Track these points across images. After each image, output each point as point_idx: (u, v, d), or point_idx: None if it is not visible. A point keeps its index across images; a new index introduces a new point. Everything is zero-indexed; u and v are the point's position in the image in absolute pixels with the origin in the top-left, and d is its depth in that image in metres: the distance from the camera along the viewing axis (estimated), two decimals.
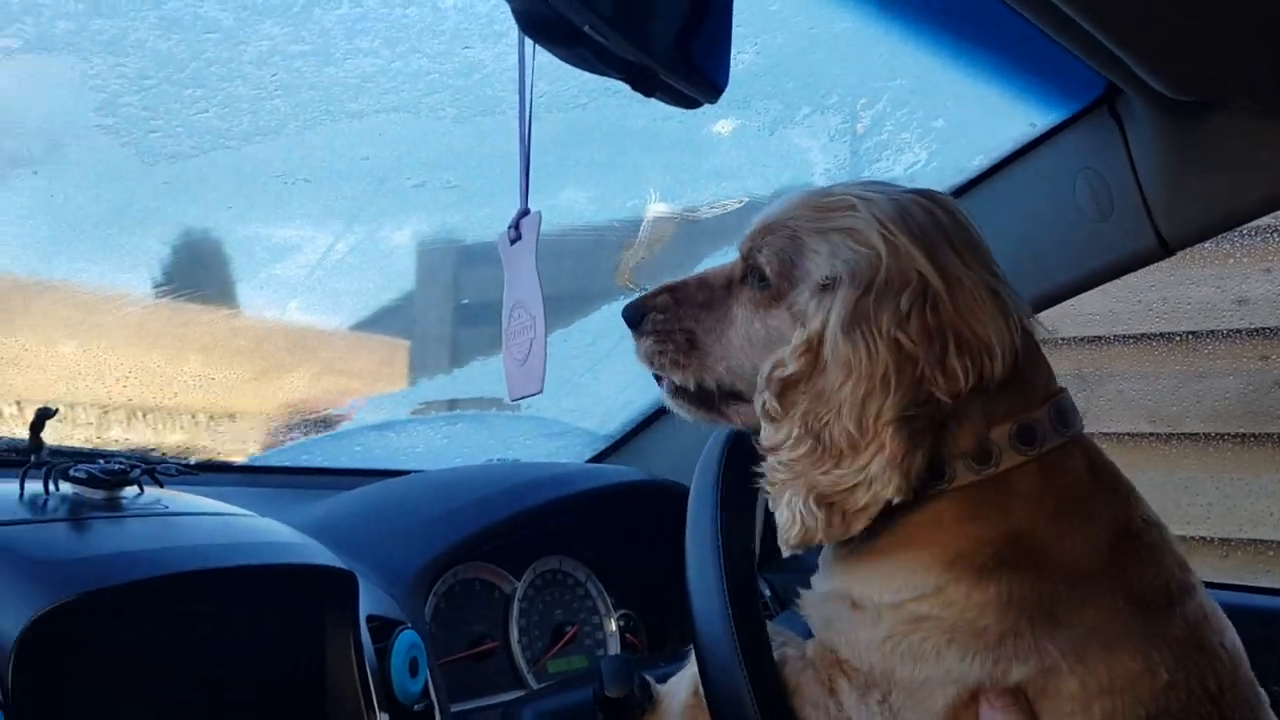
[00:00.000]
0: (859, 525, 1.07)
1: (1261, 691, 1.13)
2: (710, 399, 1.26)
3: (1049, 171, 1.79)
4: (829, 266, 1.12)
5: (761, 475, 1.15)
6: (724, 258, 2.15)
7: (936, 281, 1.08)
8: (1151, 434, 3.01)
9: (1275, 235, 2.83)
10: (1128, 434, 3.01)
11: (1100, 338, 3.02)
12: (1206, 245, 1.72)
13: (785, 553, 1.14)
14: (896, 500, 1.06)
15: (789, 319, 1.16)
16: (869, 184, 1.18)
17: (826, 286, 1.11)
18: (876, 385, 1.05)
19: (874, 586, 1.11)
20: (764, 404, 1.13)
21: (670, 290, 1.27)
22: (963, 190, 1.88)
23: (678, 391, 1.27)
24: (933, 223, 1.13)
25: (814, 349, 1.10)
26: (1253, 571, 2.83)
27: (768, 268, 1.17)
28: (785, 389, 1.11)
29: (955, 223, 1.15)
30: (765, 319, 1.18)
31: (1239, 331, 2.93)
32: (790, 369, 1.11)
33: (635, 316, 1.27)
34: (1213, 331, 2.95)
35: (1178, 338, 2.99)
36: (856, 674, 1.12)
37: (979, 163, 1.83)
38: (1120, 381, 3.06)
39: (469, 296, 2.29)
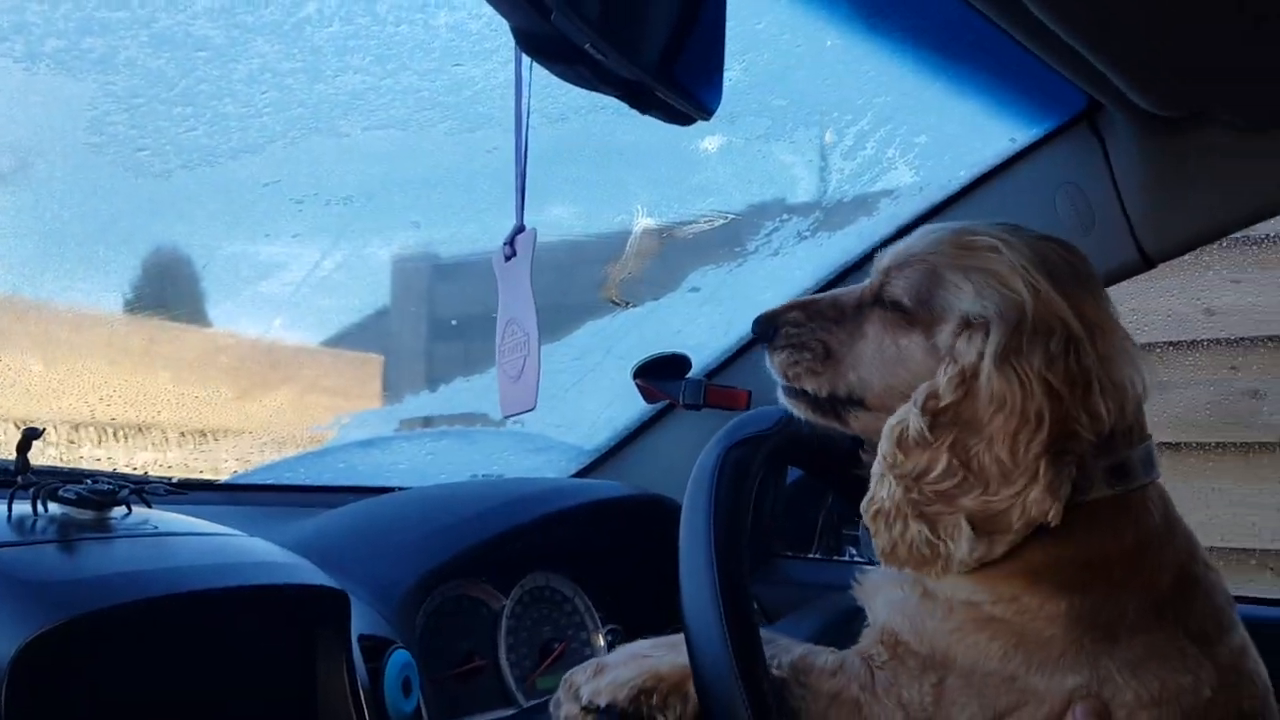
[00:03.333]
0: (1001, 548, 1.14)
1: None
2: (835, 406, 1.32)
3: (1031, 186, 1.81)
4: (976, 305, 1.18)
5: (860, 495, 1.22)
6: (711, 272, 2.18)
7: (1079, 329, 1.15)
8: None
9: (1245, 245, 2.87)
10: None
11: None
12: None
13: (910, 570, 1.19)
14: (1054, 523, 1.11)
15: (922, 343, 1.23)
16: (1005, 227, 1.25)
17: (974, 325, 1.18)
18: (1031, 420, 1.11)
19: (950, 583, 1.18)
20: (907, 428, 1.18)
21: (800, 307, 1.34)
22: (946, 205, 1.90)
23: (800, 396, 1.34)
24: (1070, 271, 1.20)
25: (967, 382, 1.16)
26: (1232, 581, 2.85)
27: (905, 296, 1.24)
28: (937, 417, 1.17)
29: (1087, 270, 1.23)
30: (898, 339, 1.25)
31: (1209, 342, 2.96)
32: (946, 399, 1.16)
33: (769, 330, 1.34)
34: (1183, 342, 2.99)
35: (1149, 348, 3.03)
36: (915, 656, 1.19)
37: (962, 178, 1.85)
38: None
39: (454, 313, 2.29)
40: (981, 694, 1.15)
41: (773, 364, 1.34)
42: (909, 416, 1.18)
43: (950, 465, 1.15)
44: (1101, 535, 1.16)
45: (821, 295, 1.36)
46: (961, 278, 1.20)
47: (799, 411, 1.35)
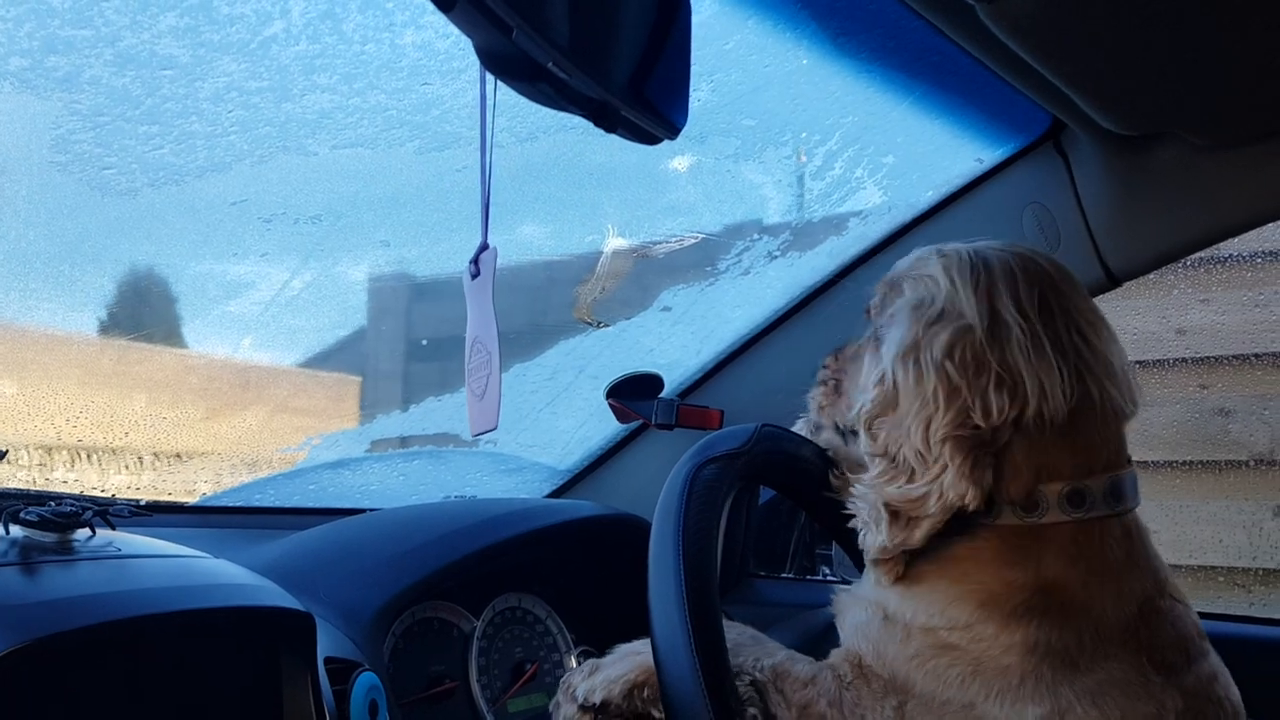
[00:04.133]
0: (919, 535, 1.17)
1: None
2: (844, 436, 1.39)
3: (998, 206, 1.83)
4: (901, 306, 1.24)
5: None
6: (682, 292, 2.18)
7: (977, 320, 1.17)
8: None
9: (1213, 265, 2.90)
10: None
11: None
12: (1146, 276, 1.77)
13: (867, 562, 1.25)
14: (972, 507, 1.14)
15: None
16: (991, 243, 1.29)
17: (896, 323, 1.24)
18: (929, 403, 1.15)
19: (908, 607, 1.21)
20: (865, 446, 1.24)
21: (835, 351, 1.44)
22: (914, 225, 1.91)
23: (819, 430, 1.42)
24: (1005, 274, 1.21)
25: (884, 382, 1.21)
26: (1201, 597, 2.88)
27: (872, 313, 1.32)
28: (871, 425, 1.22)
29: (1033, 279, 1.22)
30: (869, 361, 1.30)
31: (1179, 360, 2.99)
32: (869, 405, 1.22)
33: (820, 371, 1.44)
34: (1154, 361, 3.01)
35: None
36: (878, 679, 1.20)
37: (929, 198, 1.87)
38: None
39: (425, 332, 2.28)
40: (946, 716, 1.15)
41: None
42: (862, 435, 1.24)
43: (878, 461, 1.21)
44: (1055, 560, 1.15)
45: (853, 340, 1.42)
46: (908, 284, 1.26)
47: (822, 442, 1.42)
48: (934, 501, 1.14)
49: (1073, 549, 1.16)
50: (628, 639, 1.95)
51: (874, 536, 1.19)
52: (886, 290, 1.30)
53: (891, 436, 1.19)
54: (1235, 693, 1.21)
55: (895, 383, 1.19)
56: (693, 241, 2.01)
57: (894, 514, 1.17)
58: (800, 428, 1.45)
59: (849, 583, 1.36)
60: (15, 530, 1.24)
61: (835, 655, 1.27)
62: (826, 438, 1.41)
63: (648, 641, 1.34)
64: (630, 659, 1.34)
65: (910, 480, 1.16)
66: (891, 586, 1.23)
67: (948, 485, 1.13)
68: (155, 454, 1.96)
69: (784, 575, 2.28)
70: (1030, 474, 1.16)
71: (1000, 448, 1.16)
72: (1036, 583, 1.15)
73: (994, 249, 1.25)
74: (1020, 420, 1.15)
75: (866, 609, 1.25)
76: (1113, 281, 1.76)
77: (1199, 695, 1.16)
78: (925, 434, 1.15)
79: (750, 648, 1.29)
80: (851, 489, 1.26)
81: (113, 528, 1.34)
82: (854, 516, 1.25)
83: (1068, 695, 1.11)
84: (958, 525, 1.17)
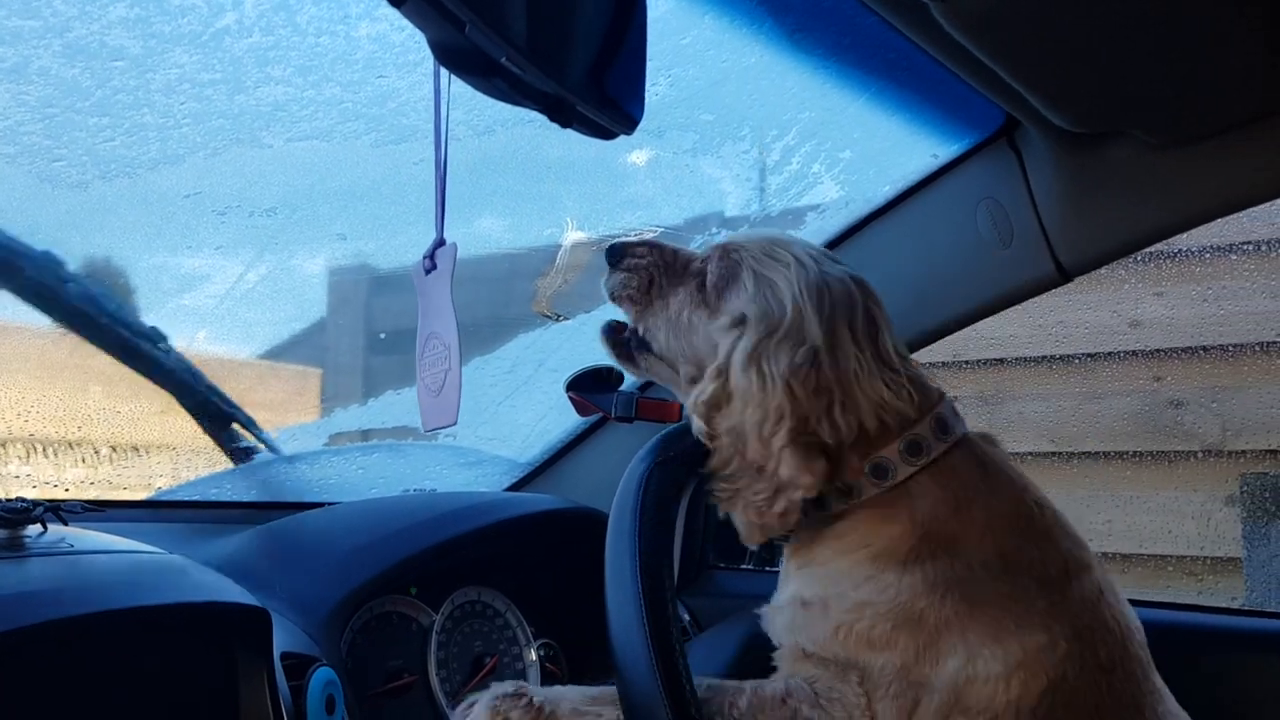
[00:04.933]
0: (785, 525, 1.27)
1: (1146, 658, 1.29)
2: (629, 345, 1.49)
3: (951, 201, 1.84)
4: (744, 306, 1.33)
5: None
6: None
7: (821, 346, 1.28)
8: (1052, 453, 3.10)
9: (1166, 260, 2.95)
10: (1029, 454, 3.10)
11: (1001, 360, 3.10)
12: (1100, 270, 1.80)
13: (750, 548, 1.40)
14: (811, 495, 1.25)
15: (704, 322, 1.39)
16: (822, 252, 1.39)
17: (737, 323, 1.33)
18: (771, 415, 1.26)
19: (816, 585, 1.30)
20: (698, 428, 1.32)
21: (653, 247, 1.48)
22: (869, 220, 1.92)
23: (611, 333, 1.51)
24: (845, 299, 1.33)
25: (724, 376, 1.31)
26: (1152, 586, 2.92)
27: (709, 276, 1.39)
28: (709, 412, 1.31)
29: (865, 303, 1.35)
30: (691, 313, 1.41)
31: (1133, 353, 3.03)
32: (707, 393, 1.32)
33: (616, 255, 1.49)
34: (1108, 353, 3.06)
35: (1074, 360, 3.09)
36: (828, 662, 1.26)
37: (886, 192, 1.88)
38: (1021, 403, 3.15)
39: (382, 325, 2.27)
40: (894, 681, 1.21)
41: (607, 282, 1.49)
42: (694, 419, 1.33)
43: (728, 459, 1.30)
44: (924, 507, 1.26)
45: (678, 247, 1.49)
46: (750, 279, 1.35)
47: (606, 344, 1.52)
48: (781, 501, 1.26)
49: (936, 490, 1.27)
50: (587, 632, 1.97)
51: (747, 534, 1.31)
52: (722, 258, 1.39)
53: (727, 428, 1.29)
54: (1125, 610, 1.29)
55: (734, 382, 1.29)
56: (652, 235, 2.01)
57: (754, 513, 1.28)
58: (602, 341, 1.52)
59: None
60: None
61: (781, 660, 1.33)
62: (609, 347, 1.51)
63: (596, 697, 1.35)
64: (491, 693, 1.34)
65: (759, 479, 1.27)
66: (798, 578, 1.33)
67: (784, 482, 1.25)
68: (112, 447, 1.93)
69: (743, 567, 2.29)
70: (867, 450, 1.28)
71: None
72: (915, 530, 1.25)
73: (836, 272, 1.35)
74: (861, 434, 1.27)
75: (789, 608, 1.33)
76: (1064, 276, 1.78)
77: (1084, 618, 1.23)
78: (760, 437, 1.26)
79: (715, 698, 1.29)
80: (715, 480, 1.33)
81: (65, 523, 1.32)
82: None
83: (973, 638, 1.19)
84: (832, 508, 1.30)
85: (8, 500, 1.28)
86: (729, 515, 1.35)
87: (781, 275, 1.33)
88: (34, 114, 1.34)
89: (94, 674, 1.19)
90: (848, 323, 1.31)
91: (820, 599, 1.29)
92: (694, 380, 1.38)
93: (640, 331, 1.47)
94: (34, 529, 1.27)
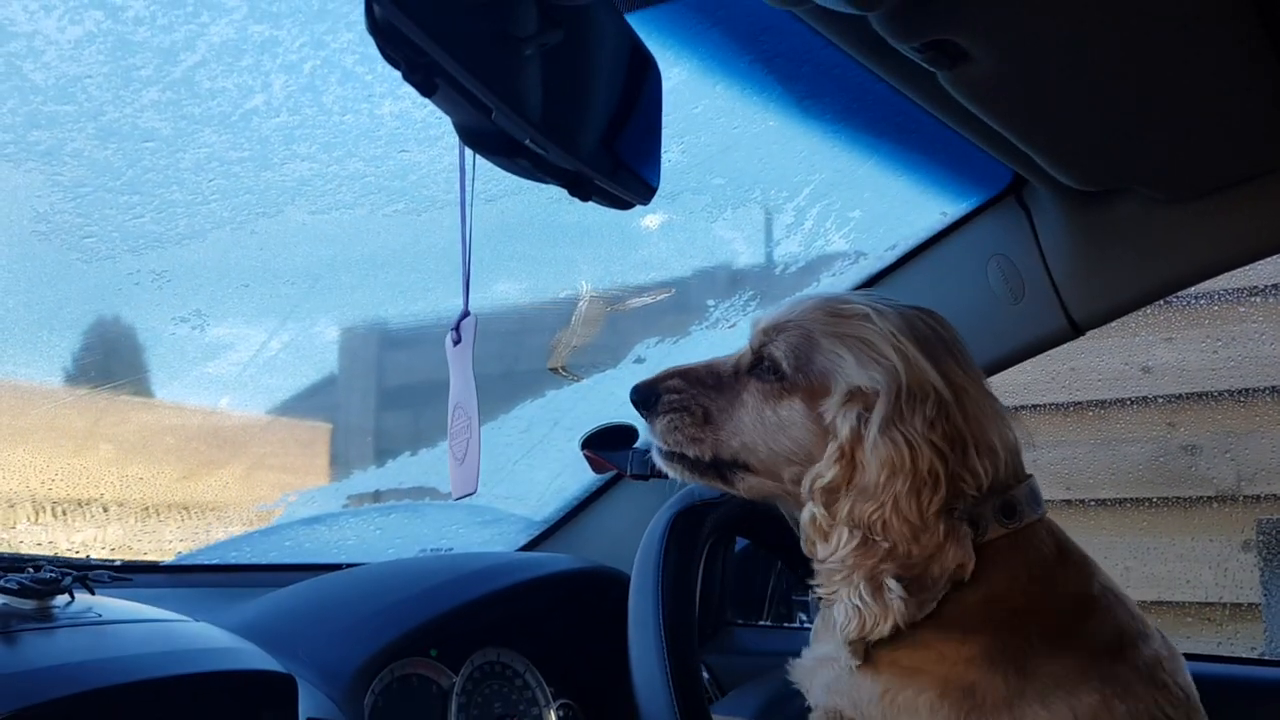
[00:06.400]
0: (929, 607, 1.17)
1: None
2: (718, 469, 1.35)
3: (962, 258, 1.87)
4: (856, 375, 1.24)
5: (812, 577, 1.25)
6: (655, 344, 2.21)
7: (948, 394, 1.21)
8: (1067, 501, 3.10)
9: (1175, 307, 2.96)
10: (1045, 501, 3.10)
11: (1014, 408, 3.11)
12: None
13: (846, 648, 1.22)
14: (968, 577, 1.17)
15: (803, 411, 1.28)
16: (872, 295, 1.32)
17: (854, 396, 1.23)
18: (926, 480, 1.17)
19: (873, 647, 1.21)
20: (812, 516, 1.23)
21: (679, 374, 1.37)
22: (880, 277, 1.95)
23: (679, 459, 1.37)
24: (936, 337, 1.27)
25: (848, 455, 1.21)
26: (1172, 634, 2.90)
27: (784, 361, 1.29)
28: (829, 496, 1.22)
29: (952, 336, 1.30)
30: (776, 407, 1.29)
31: (1145, 399, 3.04)
32: (828, 476, 1.22)
33: (649, 398, 1.37)
34: (1120, 400, 3.06)
35: (1087, 406, 3.10)
36: None
37: (896, 250, 1.90)
38: (1035, 450, 3.15)
39: (398, 386, 2.29)
40: None
41: (653, 431, 1.37)
42: (810, 507, 1.24)
43: (849, 535, 1.19)
44: (999, 572, 1.21)
45: (699, 363, 1.39)
46: (839, 345, 1.26)
47: (675, 473, 1.38)
48: (938, 573, 1.17)
49: (1012, 557, 1.22)
50: (606, 692, 1.96)
51: (874, 614, 1.17)
52: (776, 335, 1.30)
53: (861, 508, 1.19)
54: (1185, 676, 1.25)
55: (867, 455, 1.19)
56: (665, 295, 2.04)
57: (905, 587, 1.17)
58: (660, 462, 1.39)
59: None
60: None
61: (815, 718, 1.29)
62: (685, 473, 1.37)
63: None
64: None
65: (895, 552, 1.17)
66: None
67: (950, 559, 1.16)
68: (133, 512, 1.95)
69: (761, 623, 2.29)
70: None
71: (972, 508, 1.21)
72: (986, 595, 1.20)
73: (909, 310, 1.29)
74: (997, 479, 1.21)
75: (833, 666, 1.27)
76: (1076, 330, 1.80)
77: (1145, 681, 1.19)
78: (918, 507, 1.16)
79: None
80: (817, 564, 1.24)
81: (92, 592, 1.34)
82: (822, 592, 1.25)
83: (1021, 707, 1.15)
84: None
85: (35, 570, 1.30)
86: (782, 576, 1.29)
87: (868, 330, 1.25)
88: (67, 194, 1.38)
89: None
90: (953, 358, 1.26)
91: (873, 661, 1.22)
92: (798, 481, 1.27)
93: (726, 456, 1.34)
94: (62, 599, 1.29)
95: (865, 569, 1.18)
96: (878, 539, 1.18)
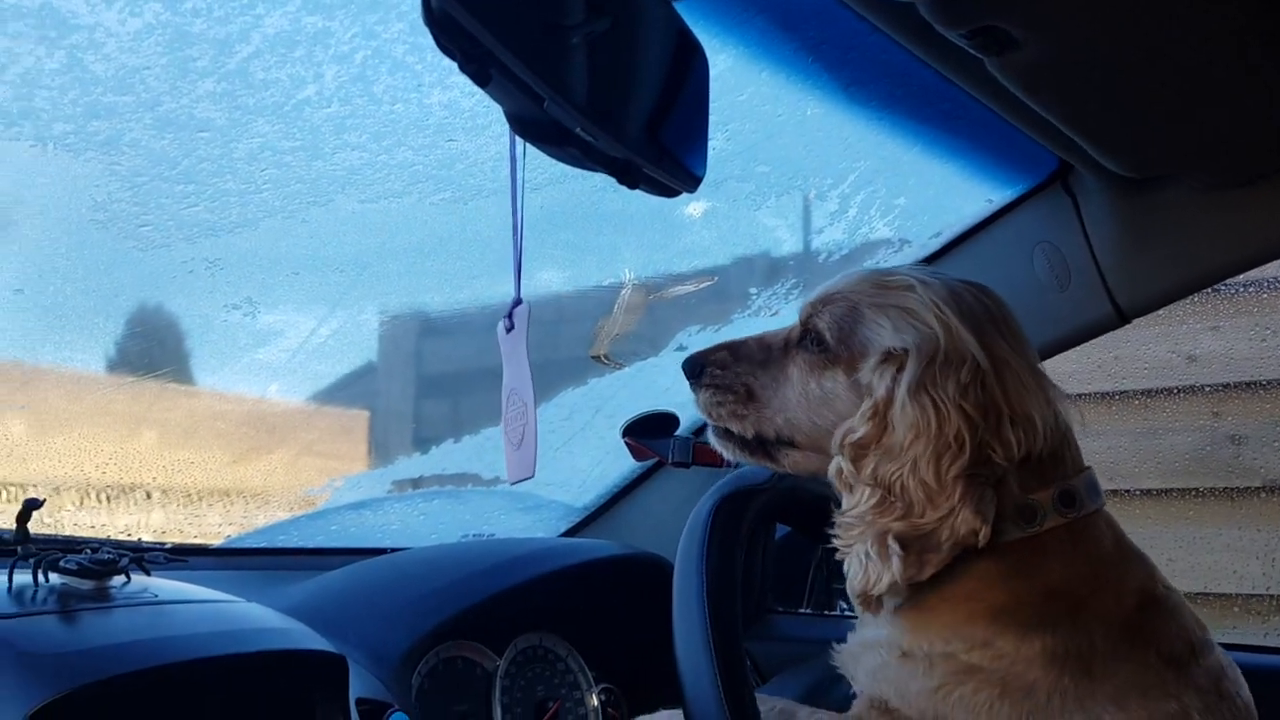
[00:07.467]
0: (931, 568, 1.16)
1: None
2: (764, 446, 1.36)
3: (1007, 246, 1.85)
4: (892, 339, 1.23)
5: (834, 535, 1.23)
6: (697, 332, 2.21)
7: (986, 363, 1.19)
8: (1111, 491, 3.05)
9: (1221, 294, 2.93)
10: None
11: None
12: None
13: (854, 602, 1.22)
14: (982, 544, 1.14)
15: (845, 381, 1.27)
16: (922, 269, 1.30)
17: (889, 358, 1.22)
18: (950, 444, 1.15)
19: (924, 636, 1.20)
20: (839, 469, 1.23)
21: (728, 348, 1.38)
22: (925, 264, 1.94)
23: (729, 436, 1.37)
24: (981, 309, 1.25)
25: (880, 413, 1.20)
26: (1218, 627, 2.87)
27: (827, 333, 1.28)
28: (857, 452, 1.21)
29: (1000, 311, 1.27)
30: (820, 379, 1.29)
31: (1190, 388, 3.00)
32: (860, 433, 1.21)
33: (695, 369, 1.38)
34: (1165, 389, 3.02)
35: (1132, 396, 3.06)
36: None
37: (941, 237, 1.90)
38: (1081, 439, 3.12)
39: (441, 374, 2.31)
40: None
41: (698, 403, 1.38)
42: (838, 459, 1.23)
43: (870, 491, 1.19)
44: (1058, 564, 1.18)
45: (750, 337, 1.39)
46: (880, 314, 1.25)
47: (728, 451, 1.38)
48: (945, 537, 1.15)
49: (1071, 550, 1.19)
50: (646, 676, 1.97)
51: (877, 569, 1.16)
52: (826, 309, 1.29)
53: (885, 467, 1.18)
54: (1245, 690, 1.22)
55: (897, 415, 1.18)
56: (708, 283, 2.04)
57: (907, 546, 1.16)
58: (713, 440, 1.40)
59: None
60: (53, 578, 1.27)
61: (858, 705, 1.26)
62: (736, 451, 1.38)
63: (665, 714, 1.36)
64: None
65: (911, 513, 1.16)
66: (899, 621, 1.22)
67: (961, 521, 1.14)
68: (178, 498, 1.99)
69: (802, 611, 2.29)
70: (1015, 489, 1.19)
71: (998, 479, 1.18)
72: (1045, 589, 1.17)
73: (957, 283, 1.27)
74: (1030, 453, 1.18)
75: (880, 651, 1.24)
76: (1122, 318, 1.78)
77: (1213, 693, 1.17)
78: (936, 469, 1.15)
79: (773, 714, 1.28)
80: (836, 517, 1.24)
81: (147, 573, 1.37)
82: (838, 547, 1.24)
83: (1093, 706, 1.12)
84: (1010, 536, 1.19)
85: (93, 551, 1.33)
86: (822, 564, 1.28)
87: (911, 299, 1.24)
88: (124, 183, 1.40)
89: None
90: (996, 331, 1.24)
91: (925, 654, 1.19)
92: None
93: (770, 433, 1.34)
94: (119, 579, 1.32)
95: (878, 527, 1.17)
96: (895, 499, 1.17)
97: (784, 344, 1.34)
